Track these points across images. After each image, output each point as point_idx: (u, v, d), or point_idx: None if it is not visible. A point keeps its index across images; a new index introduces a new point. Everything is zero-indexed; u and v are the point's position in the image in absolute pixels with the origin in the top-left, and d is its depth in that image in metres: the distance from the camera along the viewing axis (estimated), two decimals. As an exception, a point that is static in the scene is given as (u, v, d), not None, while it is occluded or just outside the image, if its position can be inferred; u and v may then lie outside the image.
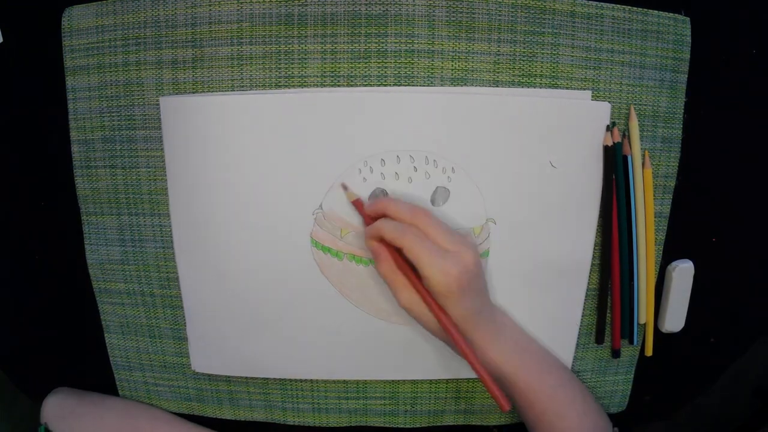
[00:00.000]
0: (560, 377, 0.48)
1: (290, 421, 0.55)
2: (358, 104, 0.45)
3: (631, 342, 0.52)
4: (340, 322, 0.50)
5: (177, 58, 0.47)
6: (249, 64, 0.46)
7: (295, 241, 0.48)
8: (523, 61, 0.47)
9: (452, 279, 0.41)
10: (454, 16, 0.46)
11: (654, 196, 0.49)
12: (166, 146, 0.47)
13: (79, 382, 0.55)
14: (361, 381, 0.53)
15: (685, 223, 0.51)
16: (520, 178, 0.47)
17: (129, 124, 0.48)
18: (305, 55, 0.46)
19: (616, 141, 0.47)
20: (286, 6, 0.45)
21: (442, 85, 0.47)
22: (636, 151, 0.48)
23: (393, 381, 0.53)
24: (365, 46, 0.46)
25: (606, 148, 0.47)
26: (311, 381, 0.53)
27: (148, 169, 0.49)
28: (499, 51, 0.46)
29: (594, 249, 0.50)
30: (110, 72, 0.47)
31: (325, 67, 0.46)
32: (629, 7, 0.46)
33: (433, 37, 0.46)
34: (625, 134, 0.48)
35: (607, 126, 0.47)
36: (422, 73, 0.46)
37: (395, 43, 0.46)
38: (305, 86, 0.46)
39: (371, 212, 0.45)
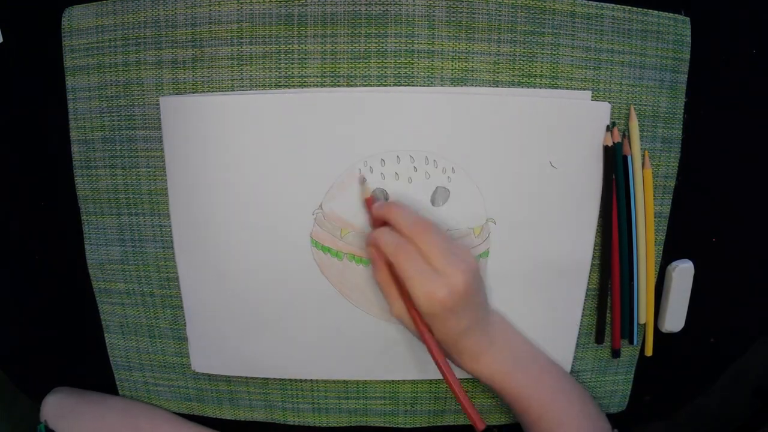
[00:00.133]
0: (557, 383, 0.48)
1: (290, 421, 0.55)
2: (358, 104, 0.45)
3: (631, 342, 0.52)
4: (340, 322, 0.50)
5: (177, 58, 0.47)
6: (249, 64, 0.46)
7: (295, 241, 0.48)
8: (523, 61, 0.47)
9: (436, 302, 0.40)
10: (454, 16, 0.46)
11: (654, 196, 0.49)
12: (166, 146, 0.47)
13: (79, 382, 0.55)
14: (361, 381, 0.53)
15: (685, 223, 0.51)
16: (520, 178, 0.47)
17: (129, 124, 0.48)
18: (305, 55, 0.46)
19: (616, 141, 0.47)
20: (286, 6, 0.45)
21: (442, 85, 0.47)
22: (636, 151, 0.48)
23: (393, 381, 0.53)
24: (365, 46, 0.46)
25: (606, 148, 0.47)
26: (311, 381, 0.53)
27: (148, 169, 0.49)
28: (499, 51, 0.46)
29: (594, 249, 0.50)
30: (110, 72, 0.47)
31: (325, 67, 0.46)
32: (629, 7, 0.46)
33: (433, 37, 0.46)
34: (625, 134, 0.48)
35: (607, 126, 0.47)
36: (422, 73, 0.46)
37: (395, 43, 0.46)
38: (305, 86, 0.46)
39: (378, 215, 0.45)
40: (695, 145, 0.50)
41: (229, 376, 0.54)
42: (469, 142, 0.46)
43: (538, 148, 0.47)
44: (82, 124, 0.49)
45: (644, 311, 0.51)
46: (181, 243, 0.49)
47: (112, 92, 0.48)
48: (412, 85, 0.47)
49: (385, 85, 0.46)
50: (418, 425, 0.55)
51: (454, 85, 0.47)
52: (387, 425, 0.55)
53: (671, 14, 0.47)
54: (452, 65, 0.46)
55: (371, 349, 0.51)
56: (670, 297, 0.52)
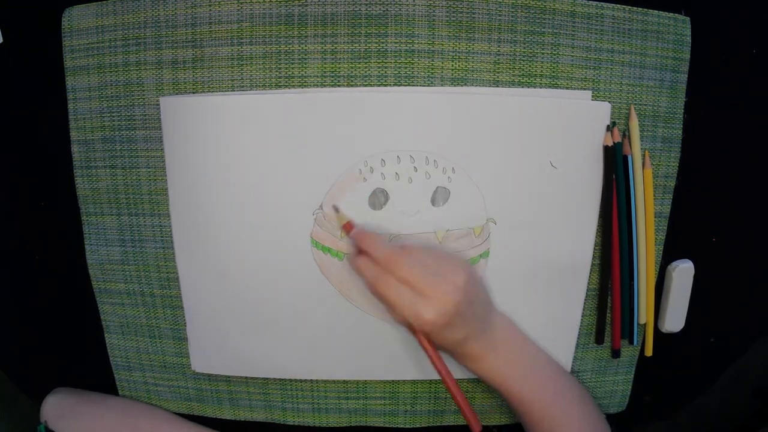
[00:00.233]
0: (559, 385, 0.48)
1: (290, 421, 0.55)
2: (358, 104, 0.45)
3: (631, 342, 0.52)
4: (340, 322, 0.50)
5: (177, 58, 0.47)
6: (249, 64, 0.46)
7: (295, 241, 0.48)
8: (523, 61, 0.47)
9: (425, 323, 0.41)
10: (454, 16, 0.46)
11: (654, 196, 0.49)
12: (166, 146, 0.47)
13: (79, 382, 0.55)
14: (361, 381, 0.53)
15: (685, 223, 0.51)
16: (520, 178, 0.47)
17: (129, 124, 0.48)
18: (305, 55, 0.46)
19: (616, 141, 0.47)
20: (286, 6, 0.45)
21: (442, 85, 0.47)
22: (636, 151, 0.48)
23: (393, 381, 0.53)
24: (365, 46, 0.46)
25: (606, 148, 0.47)
26: (311, 381, 0.53)
27: (148, 169, 0.49)
28: (499, 51, 0.46)
29: (594, 249, 0.50)
30: (110, 72, 0.47)
31: (325, 67, 0.46)
32: (629, 7, 0.46)
33: (433, 37, 0.46)
34: (626, 134, 0.48)
35: (607, 126, 0.47)
36: (422, 73, 0.46)
37: (395, 43, 0.46)
38: (305, 86, 0.46)
39: (356, 242, 0.45)
40: (695, 145, 0.50)
41: (229, 376, 0.54)
42: (469, 142, 0.46)
43: (538, 148, 0.47)
44: (82, 124, 0.49)
45: (644, 311, 0.51)
46: (181, 243, 0.49)
47: (112, 92, 0.48)
48: (412, 85, 0.47)
49: (385, 85, 0.46)
50: (418, 425, 0.55)
51: (454, 85, 0.47)
52: (387, 425, 0.55)
53: (671, 14, 0.47)
54: (452, 65, 0.46)
55: (371, 349, 0.51)
56: (670, 297, 0.52)
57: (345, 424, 0.55)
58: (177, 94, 0.47)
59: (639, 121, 0.48)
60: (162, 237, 0.50)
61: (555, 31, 0.46)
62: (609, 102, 0.47)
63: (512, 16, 0.46)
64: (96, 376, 0.55)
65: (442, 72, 0.46)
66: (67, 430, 0.51)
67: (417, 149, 0.46)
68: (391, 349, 0.51)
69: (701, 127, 0.49)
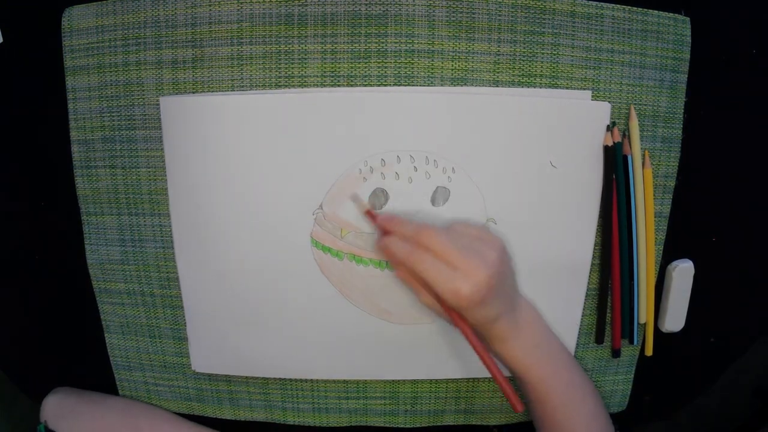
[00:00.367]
0: (575, 376, 0.48)
1: (290, 421, 0.55)
2: (358, 104, 0.45)
3: (631, 342, 0.52)
4: (341, 322, 0.50)
5: (177, 58, 0.47)
6: (249, 64, 0.46)
7: (295, 241, 0.48)
8: (523, 61, 0.47)
9: (462, 299, 0.40)
10: (454, 16, 0.46)
11: (654, 196, 0.49)
12: (166, 146, 0.47)
13: (79, 382, 0.55)
14: (361, 381, 0.53)
15: (685, 223, 0.51)
16: (520, 178, 0.47)
17: (129, 124, 0.48)
18: (305, 55, 0.46)
19: (616, 141, 0.47)
20: (286, 6, 0.45)
21: (442, 85, 0.47)
22: (636, 151, 0.48)
23: (393, 381, 0.53)
24: (365, 46, 0.46)
25: (606, 148, 0.47)
26: (311, 381, 0.53)
27: (148, 169, 0.49)
28: (499, 51, 0.46)
29: (594, 249, 0.50)
30: (110, 72, 0.47)
31: (325, 67, 0.46)
32: (629, 7, 0.46)
33: (433, 37, 0.46)
34: (625, 134, 0.48)
35: (607, 126, 0.47)
36: (422, 73, 0.46)
37: (395, 43, 0.46)
38: (305, 86, 0.46)
39: (382, 226, 0.45)
40: (695, 145, 0.50)
41: (229, 376, 0.54)
42: (469, 142, 0.46)
43: (538, 148, 0.47)
44: (82, 124, 0.49)
45: (644, 311, 0.51)
46: (181, 243, 0.49)
47: (112, 92, 0.48)
48: (412, 85, 0.47)
49: (385, 85, 0.46)
50: (418, 425, 0.55)
51: (454, 85, 0.47)
52: (387, 425, 0.55)
53: (671, 14, 0.47)
54: (452, 65, 0.46)
55: (371, 349, 0.51)
56: (670, 297, 0.52)
57: (345, 424, 0.55)
58: (177, 94, 0.47)
59: (639, 121, 0.48)
60: (162, 237, 0.50)
61: (555, 31, 0.46)
62: (609, 102, 0.47)
63: (512, 16, 0.46)
64: (96, 376, 0.55)
65: (442, 72, 0.46)
66: (67, 429, 0.51)
67: (417, 149, 0.46)
68: (391, 349, 0.51)
69: (701, 127, 0.49)
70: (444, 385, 0.54)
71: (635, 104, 0.48)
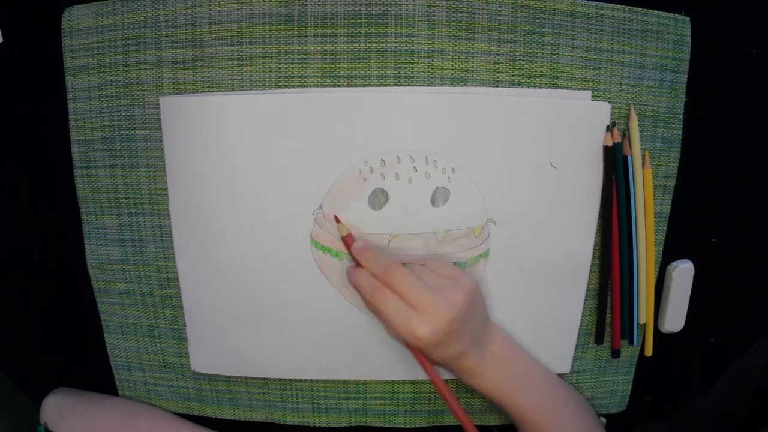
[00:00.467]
0: (556, 395, 0.49)
1: (290, 421, 0.55)
2: (358, 104, 0.45)
3: (631, 342, 0.52)
4: (340, 322, 0.50)
5: (177, 58, 0.47)
6: (249, 64, 0.46)
7: (295, 241, 0.48)
8: (523, 61, 0.47)
9: (418, 340, 0.41)
10: (454, 16, 0.46)
11: (654, 196, 0.49)
12: (166, 146, 0.47)
13: (79, 382, 0.55)
14: (361, 381, 0.53)
15: (685, 223, 0.51)
16: (520, 178, 0.47)
17: (129, 124, 0.48)
18: (305, 55, 0.46)
19: (616, 141, 0.47)
20: (286, 6, 0.45)
21: (442, 85, 0.47)
22: (636, 151, 0.48)
23: (393, 381, 0.53)
24: (365, 46, 0.46)
25: (606, 149, 0.47)
26: (311, 381, 0.53)
27: (148, 169, 0.49)
28: (499, 51, 0.46)
29: (594, 249, 0.50)
30: (110, 72, 0.47)
31: (325, 67, 0.46)
32: (629, 7, 0.46)
33: (433, 37, 0.46)
34: (625, 134, 0.48)
35: (607, 126, 0.47)
36: (422, 73, 0.46)
37: (395, 43, 0.46)
38: (305, 86, 0.46)
39: (355, 255, 0.46)
40: (695, 145, 0.50)
41: (228, 376, 0.54)
42: (469, 142, 0.46)
43: (538, 148, 0.47)
44: (82, 124, 0.49)
45: (644, 311, 0.51)
46: (181, 243, 0.49)
47: (112, 92, 0.48)
48: (412, 85, 0.47)
49: (385, 85, 0.46)
50: (418, 425, 0.55)
51: (454, 85, 0.47)
52: (387, 425, 0.55)
53: (671, 14, 0.47)
54: (452, 65, 0.46)
55: (371, 349, 0.51)
56: (670, 297, 0.52)
57: (345, 424, 0.55)
58: (177, 94, 0.47)
59: (639, 121, 0.48)
60: (162, 237, 0.50)
61: (555, 31, 0.46)
62: (609, 102, 0.47)
63: (512, 16, 0.46)
64: (96, 376, 0.55)
65: (442, 72, 0.46)
66: (67, 430, 0.51)
67: (417, 149, 0.46)
68: (391, 349, 0.51)
69: (701, 127, 0.49)
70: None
71: (635, 104, 0.48)
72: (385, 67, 0.46)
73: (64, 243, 0.52)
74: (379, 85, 0.46)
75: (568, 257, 0.50)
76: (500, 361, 0.47)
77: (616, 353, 0.53)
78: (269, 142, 0.46)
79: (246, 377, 0.53)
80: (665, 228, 0.51)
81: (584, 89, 0.47)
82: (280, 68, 0.46)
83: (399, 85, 0.46)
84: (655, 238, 0.50)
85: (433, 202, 0.47)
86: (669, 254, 0.52)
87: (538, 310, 0.50)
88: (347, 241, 0.46)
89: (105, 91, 0.48)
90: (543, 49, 0.46)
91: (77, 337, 0.54)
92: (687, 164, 0.50)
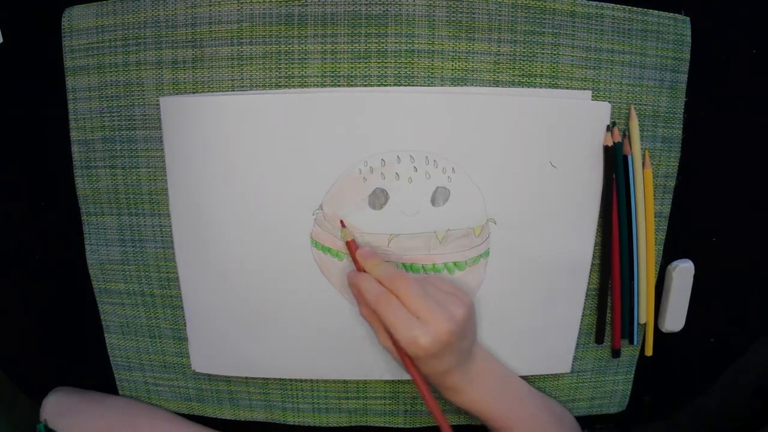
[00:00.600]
0: (536, 415, 0.49)
1: (290, 421, 0.55)
2: (358, 104, 0.45)
3: (631, 342, 0.52)
4: (340, 322, 0.50)
5: (177, 58, 0.47)
6: (249, 64, 0.46)
7: (295, 241, 0.48)
8: (523, 61, 0.47)
9: (419, 349, 0.41)
10: (454, 16, 0.46)
11: (654, 196, 0.49)
12: (166, 146, 0.47)
13: (79, 382, 0.55)
14: (361, 381, 0.53)
15: (685, 223, 0.51)
16: (520, 178, 0.47)
17: (129, 124, 0.48)
18: (305, 55, 0.46)
19: (616, 141, 0.47)
20: (286, 6, 0.45)
21: (442, 85, 0.47)
22: (636, 151, 0.48)
23: (393, 381, 0.53)
24: (365, 46, 0.46)
25: (606, 148, 0.47)
26: (311, 381, 0.53)
27: (148, 169, 0.49)
28: (499, 51, 0.46)
29: (594, 249, 0.50)
30: (110, 72, 0.47)
31: (325, 67, 0.46)
32: (629, 7, 0.46)
33: (433, 37, 0.46)
34: (626, 134, 0.48)
35: (608, 126, 0.47)
36: (422, 73, 0.46)
37: (395, 43, 0.46)
38: (305, 86, 0.46)
39: (360, 261, 0.46)
40: (695, 145, 0.50)
41: (229, 376, 0.54)
42: (469, 142, 0.46)
43: (538, 148, 0.47)
44: (82, 124, 0.49)
45: (644, 311, 0.51)
46: (181, 243, 0.49)
47: (112, 92, 0.48)
48: (412, 85, 0.47)
49: (385, 85, 0.46)
50: (418, 425, 0.55)
51: (454, 85, 0.47)
52: (387, 425, 0.55)
53: (671, 14, 0.47)
54: (452, 65, 0.46)
55: (371, 349, 0.51)
56: (670, 297, 0.52)
57: (345, 424, 0.55)
58: (177, 94, 0.47)
59: (639, 121, 0.48)
60: (162, 237, 0.50)
61: (555, 31, 0.46)
62: (609, 102, 0.47)
63: (512, 16, 0.46)
64: (96, 376, 0.55)
65: (442, 72, 0.46)
66: (66, 428, 0.51)
67: (417, 149, 0.46)
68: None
69: (701, 127, 0.49)
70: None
71: (635, 104, 0.48)
72: (385, 67, 0.46)
73: (64, 243, 0.52)
74: (379, 85, 0.46)
75: (568, 257, 0.50)
76: (482, 377, 0.47)
77: (616, 353, 0.53)
78: (269, 142, 0.46)
79: (246, 377, 0.53)
80: (665, 228, 0.51)
81: (584, 89, 0.47)
82: (280, 68, 0.46)
83: (399, 85, 0.46)
84: (655, 238, 0.50)
85: (433, 201, 0.47)
86: (669, 254, 0.52)
87: (538, 309, 0.50)
88: (351, 246, 0.46)
89: (105, 91, 0.48)
90: (543, 49, 0.46)
91: (77, 337, 0.54)
92: (687, 164, 0.50)
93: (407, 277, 0.43)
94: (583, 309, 0.52)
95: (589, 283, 0.51)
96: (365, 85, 0.46)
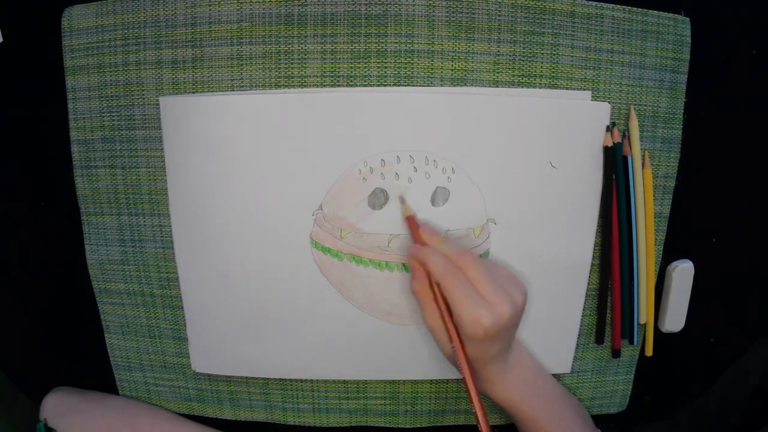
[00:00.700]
0: (562, 409, 0.49)
1: (290, 421, 0.55)
2: (358, 104, 0.45)
3: (631, 342, 0.52)
4: (341, 322, 0.50)
5: (177, 58, 0.47)
6: (249, 64, 0.46)
7: (295, 241, 0.48)
8: (523, 61, 0.47)
9: (480, 328, 0.40)
10: (454, 16, 0.46)
11: (654, 196, 0.49)
12: (166, 146, 0.47)
13: (79, 382, 0.55)
14: (362, 381, 0.53)
15: (685, 223, 0.51)
16: (520, 178, 0.47)
17: (129, 124, 0.48)
18: (305, 55, 0.46)
19: (616, 141, 0.47)
20: (286, 6, 0.45)
21: (441, 85, 0.47)
22: (636, 151, 0.48)
23: (393, 381, 0.53)
24: (365, 46, 0.46)
25: (606, 149, 0.47)
26: (311, 381, 0.53)
27: (148, 169, 0.49)
28: (499, 51, 0.46)
29: (594, 249, 0.50)
30: (110, 72, 0.47)
31: (325, 67, 0.46)
32: (629, 7, 0.46)
33: (433, 37, 0.46)
34: (625, 134, 0.48)
35: (607, 126, 0.47)
36: (422, 73, 0.46)
37: (395, 43, 0.46)
38: (305, 86, 0.46)
39: (422, 237, 0.45)
40: (695, 145, 0.50)
41: (229, 376, 0.54)
42: (469, 142, 0.46)
43: (538, 148, 0.47)
44: (82, 124, 0.49)
45: (644, 311, 0.51)
46: (181, 243, 0.49)
47: (112, 92, 0.48)
48: (412, 85, 0.47)
49: (385, 85, 0.46)
50: (418, 425, 0.55)
51: (454, 85, 0.47)
52: (387, 425, 0.55)
53: (671, 14, 0.47)
54: (452, 65, 0.46)
55: (371, 349, 0.51)
56: (670, 297, 0.52)
57: (345, 424, 0.55)
58: (177, 93, 0.47)
59: (639, 121, 0.48)
60: (162, 237, 0.50)
61: (555, 31, 0.46)
62: (609, 102, 0.47)
63: (512, 16, 0.46)
64: (96, 376, 0.55)
65: (441, 72, 0.46)
66: (66, 427, 0.51)
67: (417, 149, 0.46)
68: (391, 349, 0.51)
69: (701, 127, 0.49)
70: (444, 385, 0.54)
71: (635, 104, 0.48)
72: (385, 67, 0.46)
73: (64, 243, 0.52)
74: (379, 85, 0.46)
75: (568, 257, 0.50)
76: (517, 369, 0.47)
77: (616, 353, 0.53)
78: (269, 142, 0.46)
79: (246, 377, 0.53)
80: (665, 228, 0.51)
81: (584, 89, 0.47)
82: (280, 68, 0.46)
83: (399, 85, 0.46)
84: (655, 238, 0.50)
85: (433, 202, 0.47)
86: (669, 254, 0.52)
87: (538, 310, 0.50)
88: (412, 221, 0.46)
89: (105, 91, 0.48)
90: (543, 50, 0.46)
91: (77, 337, 0.54)
92: (687, 164, 0.50)
93: (475, 255, 0.42)
94: (583, 309, 0.52)
95: (589, 283, 0.51)
96: (365, 85, 0.46)
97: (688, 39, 0.48)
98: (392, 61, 0.46)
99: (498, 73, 0.47)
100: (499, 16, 0.46)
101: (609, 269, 0.50)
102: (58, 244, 0.52)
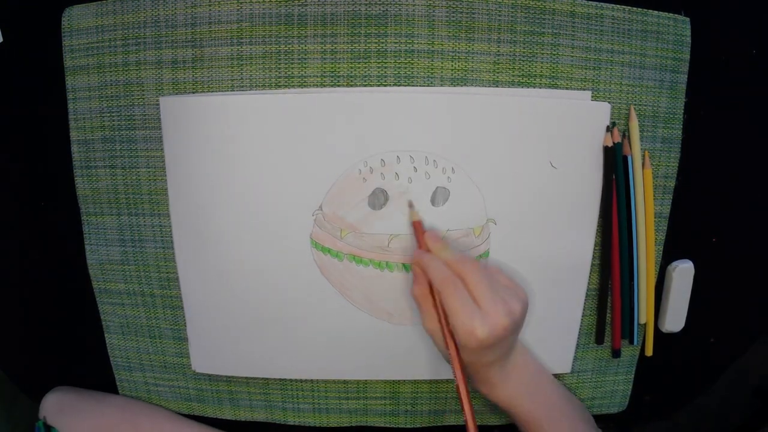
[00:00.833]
0: (564, 411, 0.49)
1: (290, 421, 0.55)
2: (358, 104, 0.45)
3: (631, 342, 0.52)
4: (341, 322, 0.50)
5: (177, 58, 0.47)
6: (249, 64, 0.46)
7: (295, 241, 0.48)
8: (523, 61, 0.47)
9: (474, 340, 0.40)
10: (454, 16, 0.46)
11: (654, 196, 0.49)
12: (166, 146, 0.47)
13: (79, 382, 0.55)
14: (362, 381, 0.53)
15: (685, 223, 0.51)
16: (520, 178, 0.47)
17: (129, 124, 0.48)
18: (305, 55, 0.46)
19: (616, 141, 0.47)
20: (286, 6, 0.45)
21: (441, 85, 0.47)
22: (636, 151, 0.48)
23: (393, 381, 0.53)
24: (365, 46, 0.46)
25: (606, 149, 0.47)
26: (311, 381, 0.53)
27: (148, 169, 0.49)
28: (499, 51, 0.46)
29: (594, 249, 0.50)
30: (110, 72, 0.47)
31: (325, 67, 0.46)
32: (629, 7, 0.46)
33: (433, 37, 0.46)
34: (625, 134, 0.48)
35: (607, 126, 0.47)
36: (422, 73, 0.46)
37: (395, 43, 0.46)
38: (305, 86, 0.46)
39: (426, 243, 0.45)
40: (695, 145, 0.50)
41: (229, 376, 0.54)
42: (469, 142, 0.46)
43: (538, 148, 0.47)
44: (82, 124, 0.49)
45: (644, 311, 0.51)
46: (181, 243, 0.49)
47: (112, 92, 0.48)
48: (412, 85, 0.47)
49: (385, 85, 0.46)
50: (418, 425, 0.55)
51: (454, 85, 0.47)
52: (387, 425, 0.55)
53: (671, 14, 0.47)
54: (452, 65, 0.46)
55: (371, 349, 0.51)
56: (670, 297, 0.52)
57: (345, 424, 0.55)
58: (177, 94, 0.47)
59: (639, 121, 0.48)
60: (162, 237, 0.50)
61: (555, 31, 0.46)
62: (609, 102, 0.47)
63: (512, 17, 0.46)
64: (96, 376, 0.55)
65: (441, 72, 0.46)
66: (66, 426, 0.51)
67: (417, 149, 0.46)
68: (391, 349, 0.51)
69: (701, 127, 0.49)
70: (444, 385, 0.54)
71: (635, 104, 0.48)
72: (385, 67, 0.46)
73: (64, 243, 0.52)
74: (378, 85, 0.46)
75: (568, 257, 0.50)
76: (518, 372, 0.47)
77: (616, 353, 0.53)
78: (269, 142, 0.46)
79: (246, 377, 0.53)
80: (665, 228, 0.51)
81: (584, 89, 0.47)
82: (280, 68, 0.46)
83: (399, 85, 0.46)
84: (655, 238, 0.50)
85: (433, 202, 0.47)
86: (669, 254, 0.52)
87: (538, 310, 0.50)
88: (418, 226, 0.46)
89: (105, 91, 0.48)
90: (543, 50, 0.46)
91: (77, 337, 0.54)
92: (687, 164, 0.50)
93: (475, 262, 0.42)
94: (583, 309, 0.52)
95: (589, 283, 0.51)
96: (365, 85, 0.46)
97: (688, 39, 0.48)
98: (392, 61, 0.46)
99: (498, 73, 0.47)
100: (499, 16, 0.46)
101: (609, 269, 0.50)
102: (58, 244, 0.52)
